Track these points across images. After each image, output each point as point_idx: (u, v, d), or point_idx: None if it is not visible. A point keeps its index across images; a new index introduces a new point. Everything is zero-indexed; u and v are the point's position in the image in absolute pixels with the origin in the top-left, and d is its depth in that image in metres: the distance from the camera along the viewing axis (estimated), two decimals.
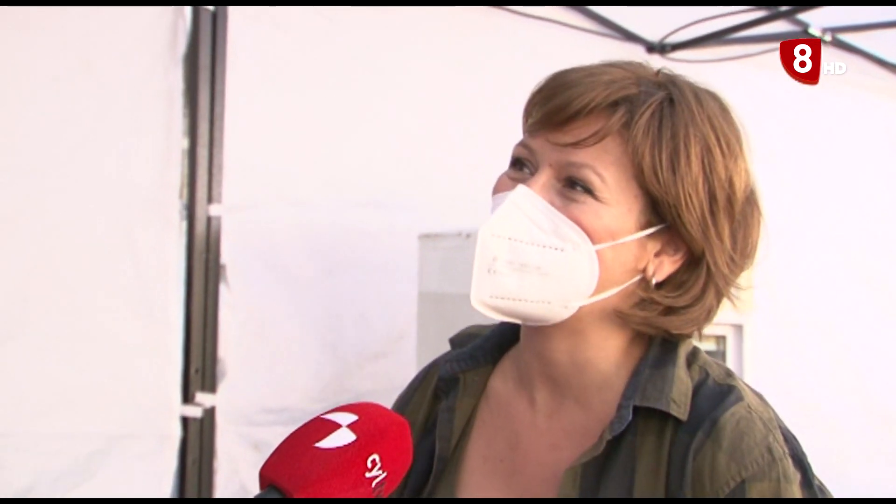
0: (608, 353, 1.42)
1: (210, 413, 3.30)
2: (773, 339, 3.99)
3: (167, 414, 3.21)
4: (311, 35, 3.52)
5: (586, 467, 1.35)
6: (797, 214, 4.49)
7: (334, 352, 3.56)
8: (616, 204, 1.33)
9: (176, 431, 3.23)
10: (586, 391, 1.43)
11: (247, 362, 3.37)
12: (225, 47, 3.33)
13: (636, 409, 1.34)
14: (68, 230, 3.08)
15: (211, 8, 3.30)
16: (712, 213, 1.36)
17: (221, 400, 3.32)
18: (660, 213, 1.35)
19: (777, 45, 4.33)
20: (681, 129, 1.34)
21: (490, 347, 1.57)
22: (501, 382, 1.54)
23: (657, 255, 1.38)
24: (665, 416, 1.34)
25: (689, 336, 1.45)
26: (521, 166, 1.41)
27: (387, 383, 3.53)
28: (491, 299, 1.35)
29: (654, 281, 1.38)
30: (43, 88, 3.05)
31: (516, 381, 1.52)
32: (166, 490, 3.23)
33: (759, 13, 4.12)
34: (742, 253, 1.42)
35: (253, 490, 3.30)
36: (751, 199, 1.43)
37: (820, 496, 1.34)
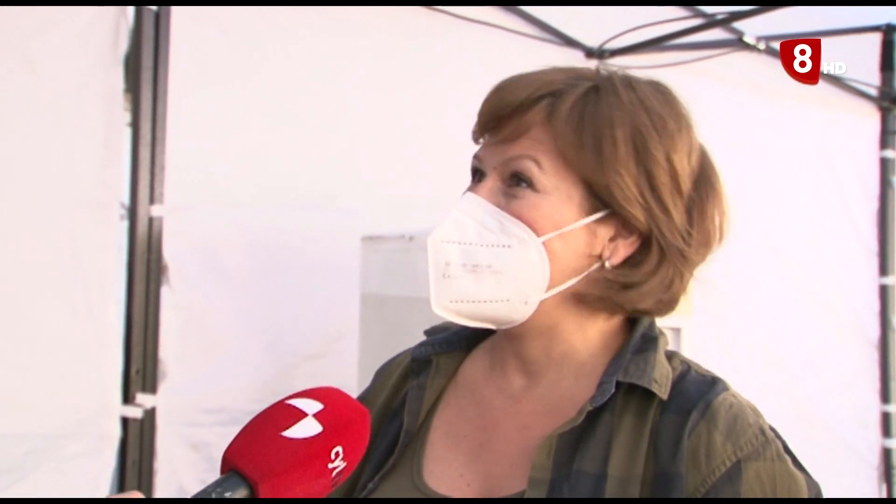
0: (585, 344, 1.46)
1: (150, 414, 3.28)
2: (708, 342, 4.05)
3: (107, 414, 3.19)
4: (254, 37, 3.51)
5: (562, 438, 1.37)
6: (731, 220, 4.55)
7: (273, 352, 3.55)
8: (555, 191, 1.38)
9: (115, 432, 3.21)
10: (562, 380, 1.46)
11: (187, 363, 3.35)
12: (167, 47, 3.30)
13: (617, 387, 1.37)
14: (7, 229, 3.04)
15: (154, 8, 3.28)
16: (654, 191, 1.39)
17: (162, 401, 3.30)
18: (601, 198, 1.39)
19: (712, 52, 4.41)
20: (603, 114, 1.38)
21: (466, 335, 1.60)
22: (472, 368, 1.58)
23: (612, 239, 1.42)
24: (646, 398, 1.37)
25: (652, 315, 1.48)
26: (478, 177, 1.45)
27: (324, 383, 3.53)
28: (451, 304, 1.39)
29: (608, 264, 1.41)
30: None
31: (488, 368, 1.55)
32: (104, 491, 3.20)
33: (696, 21, 4.18)
34: (700, 229, 1.45)
35: (191, 491, 3.31)
36: (704, 176, 1.46)
37: (812, 479, 1.37)
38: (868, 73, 5.09)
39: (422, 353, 1.60)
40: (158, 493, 3.28)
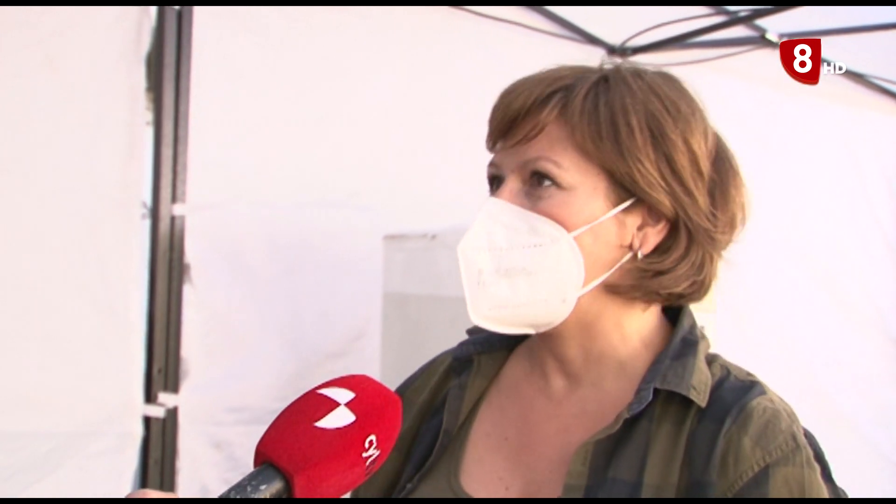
0: (624, 343, 1.44)
1: (172, 413, 3.29)
2: (731, 341, 4.03)
3: (129, 413, 3.19)
4: (275, 36, 3.52)
5: (598, 445, 1.35)
6: (754, 217, 4.54)
7: (295, 351, 3.55)
8: (580, 186, 1.36)
9: (138, 431, 3.21)
10: (602, 380, 1.44)
11: (209, 362, 3.35)
12: (190, 46, 3.31)
13: (655, 394, 1.35)
14: (30, 229, 3.05)
15: (176, 7, 3.29)
16: (675, 175, 1.38)
17: (184, 400, 3.30)
18: (625, 187, 1.38)
19: (735, 49, 4.39)
20: (616, 102, 1.37)
21: (507, 334, 1.56)
22: (514, 369, 1.56)
23: (640, 228, 1.40)
24: (685, 406, 1.35)
25: (688, 300, 1.46)
26: (496, 184, 1.44)
27: None
28: (490, 311, 1.38)
29: (640, 253, 1.40)
30: (4, 86, 3.02)
31: (529, 369, 1.54)
32: (126, 489, 3.21)
33: (719, 18, 4.16)
34: (723, 209, 1.43)
35: (214, 490, 3.32)
36: (722, 157, 1.45)
37: (840, 492, 1.36)
38: (892, 70, 5.06)
39: (463, 352, 1.59)
40: (181, 493, 3.29)
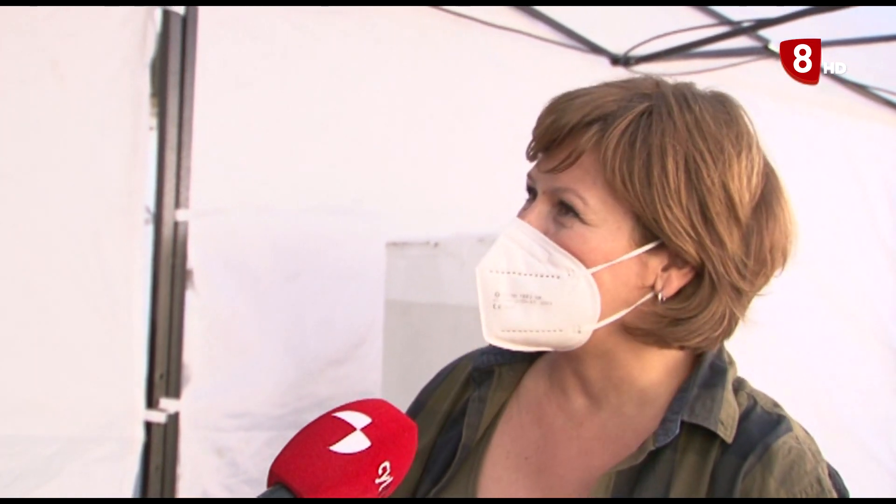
0: (647, 372, 1.43)
1: (174, 419, 3.28)
2: (732, 350, 4.03)
3: (131, 419, 3.18)
4: (280, 41, 3.51)
5: (621, 475, 1.35)
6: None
7: (297, 357, 3.55)
8: (603, 224, 1.34)
9: (139, 436, 3.21)
10: (623, 406, 1.43)
11: (211, 368, 3.35)
12: (195, 52, 3.30)
13: (681, 425, 1.34)
14: (32, 233, 3.04)
15: (181, 11, 3.28)
16: (706, 222, 1.33)
17: (185, 405, 3.30)
18: (651, 230, 1.34)
19: (738, 60, 4.38)
20: (654, 141, 1.32)
21: None
22: (534, 382, 1.56)
23: (665, 269, 1.38)
24: (710, 437, 1.34)
25: (708, 348, 1.43)
26: (531, 194, 1.43)
27: (347, 388, 3.54)
28: (503, 332, 1.37)
29: (661, 296, 1.37)
30: (7, 91, 3.02)
31: (549, 384, 1.53)
32: (127, 495, 3.20)
33: (723, 28, 4.17)
34: (758, 259, 1.39)
35: (215, 496, 3.31)
36: (765, 200, 1.40)
37: None
38: (894, 82, 5.06)
39: (484, 362, 1.58)
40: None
